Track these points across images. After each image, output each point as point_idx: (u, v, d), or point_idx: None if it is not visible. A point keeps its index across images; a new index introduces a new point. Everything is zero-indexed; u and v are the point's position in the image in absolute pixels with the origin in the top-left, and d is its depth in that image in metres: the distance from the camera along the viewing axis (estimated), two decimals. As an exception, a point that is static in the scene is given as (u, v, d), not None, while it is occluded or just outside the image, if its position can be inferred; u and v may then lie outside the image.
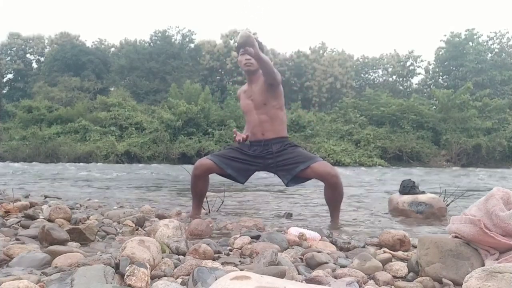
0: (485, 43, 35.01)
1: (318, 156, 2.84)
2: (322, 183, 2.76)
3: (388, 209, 3.48)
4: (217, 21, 73.43)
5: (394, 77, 38.29)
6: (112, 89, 32.73)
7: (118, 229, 2.16)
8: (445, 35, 35.72)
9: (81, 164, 17.81)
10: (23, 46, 39.10)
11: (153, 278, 1.28)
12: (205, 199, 3.06)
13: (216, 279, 0.91)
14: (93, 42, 40.16)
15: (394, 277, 1.40)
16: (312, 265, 1.49)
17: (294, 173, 2.73)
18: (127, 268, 1.19)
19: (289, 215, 3.07)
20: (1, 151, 21.90)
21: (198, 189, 2.87)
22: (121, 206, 3.22)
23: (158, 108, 25.70)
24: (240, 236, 1.88)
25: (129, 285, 1.13)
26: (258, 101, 2.84)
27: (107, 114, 24.53)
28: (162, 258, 1.44)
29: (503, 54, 35.06)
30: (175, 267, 1.39)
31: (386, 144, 22.45)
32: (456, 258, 1.32)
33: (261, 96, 2.82)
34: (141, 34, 74.10)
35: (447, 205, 3.39)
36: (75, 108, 25.63)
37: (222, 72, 37.31)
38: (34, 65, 39.53)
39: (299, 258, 1.62)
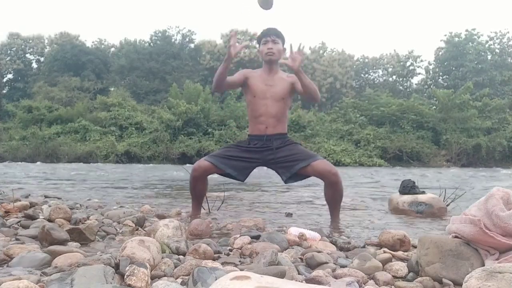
0: (486, 43, 35.00)
1: (318, 155, 2.83)
2: (322, 182, 2.76)
3: (388, 209, 3.48)
4: (217, 21, 73.42)
5: (394, 77, 38.27)
6: (112, 89, 32.71)
7: (118, 229, 2.16)
8: (445, 35, 35.76)
9: (81, 164, 17.81)
10: (23, 46, 39.08)
11: (153, 278, 1.28)
12: (205, 199, 3.06)
13: (216, 279, 0.91)
14: (93, 42, 40.21)
15: (394, 277, 1.40)
16: (312, 265, 1.49)
17: (293, 170, 2.72)
18: (127, 268, 1.19)
19: (289, 215, 3.07)
20: (1, 151, 21.91)
21: (198, 190, 2.87)
22: (121, 206, 3.21)
23: (158, 108, 25.71)
24: (240, 236, 1.87)
25: (129, 285, 1.13)
26: (278, 94, 2.83)
27: (107, 114, 24.54)
28: (162, 258, 1.43)
29: (504, 55, 35.06)
30: (175, 267, 1.38)
31: (386, 144, 22.46)
32: (456, 258, 1.32)
33: (283, 91, 2.84)
34: (141, 34, 74.08)
35: (447, 205, 3.39)
36: (75, 108, 25.63)
37: (222, 72, 37.27)
38: (34, 65, 39.55)
39: (299, 258, 1.62)
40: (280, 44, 2.86)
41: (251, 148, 2.82)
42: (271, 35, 2.83)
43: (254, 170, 2.90)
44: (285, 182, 2.80)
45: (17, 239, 1.77)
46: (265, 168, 2.92)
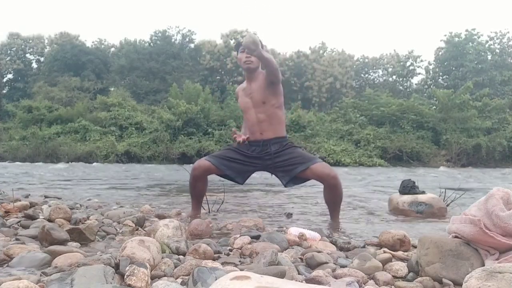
0: (486, 43, 34.99)
1: (317, 157, 2.82)
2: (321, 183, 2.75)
3: (388, 209, 3.48)
4: (217, 21, 73.46)
5: (394, 77, 38.26)
6: (112, 89, 32.69)
7: (118, 229, 2.16)
8: (445, 35, 35.76)
9: (81, 164, 17.81)
10: (23, 46, 39.07)
11: (153, 278, 1.28)
12: (205, 199, 3.06)
13: (216, 279, 0.91)
14: (93, 42, 40.19)
15: (394, 277, 1.40)
16: (312, 265, 1.49)
17: (293, 174, 2.72)
18: (127, 268, 1.19)
19: (289, 215, 3.07)
20: (1, 151, 21.89)
21: (197, 190, 2.87)
22: (121, 206, 3.22)
23: (158, 108, 25.69)
24: (240, 236, 1.88)
25: (129, 285, 1.13)
26: (257, 99, 2.82)
27: (107, 114, 24.52)
28: (162, 258, 1.44)
29: (504, 55, 35.05)
30: (175, 267, 1.39)
31: (386, 144, 22.44)
32: (456, 258, 1.32)
33: (260, 94, 2.80)
34: (141, 34, 74.18)
35: (447, 205, 3.39)
36: (75, 108, 25.61)
37: (222, 72, 37.30)
38: (34, 65, 39.53)
39: (299, 258, 1.62)
40: None
41: (250, 153, 2.82)
42: None
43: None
44: (285, 185, 2.80)
45: (17, 239, 1.77)
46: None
